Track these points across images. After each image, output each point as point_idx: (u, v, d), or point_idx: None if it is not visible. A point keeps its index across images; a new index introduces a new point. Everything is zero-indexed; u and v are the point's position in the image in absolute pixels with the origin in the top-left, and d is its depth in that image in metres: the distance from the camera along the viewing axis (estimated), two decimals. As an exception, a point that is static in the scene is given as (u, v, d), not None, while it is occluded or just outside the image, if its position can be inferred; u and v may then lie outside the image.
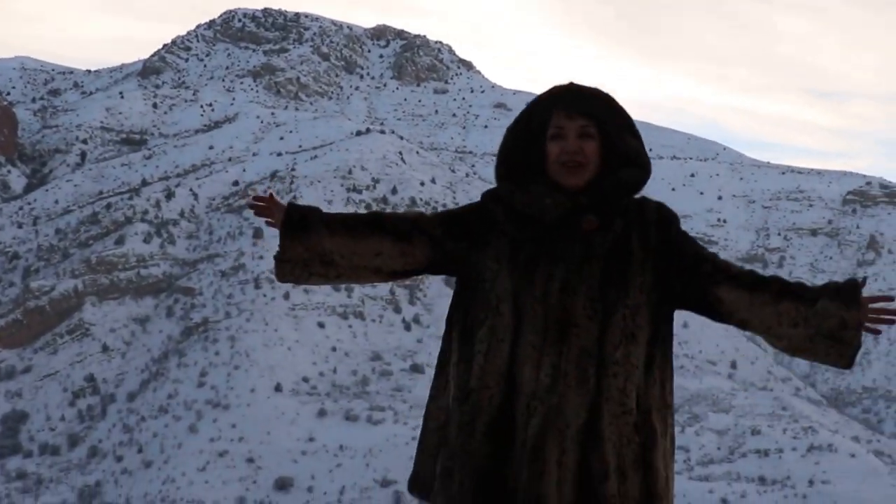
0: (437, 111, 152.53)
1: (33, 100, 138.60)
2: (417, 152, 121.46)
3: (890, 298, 2.90)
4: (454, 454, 2.81)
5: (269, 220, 3.02)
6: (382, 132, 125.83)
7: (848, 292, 2.86)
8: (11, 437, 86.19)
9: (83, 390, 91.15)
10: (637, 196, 2.86)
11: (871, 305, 2.84)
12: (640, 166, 2.85)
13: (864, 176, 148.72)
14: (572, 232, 2.81)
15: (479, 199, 3.02)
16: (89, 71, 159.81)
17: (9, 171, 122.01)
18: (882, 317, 2.84)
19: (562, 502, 2.74)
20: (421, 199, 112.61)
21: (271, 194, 3.10)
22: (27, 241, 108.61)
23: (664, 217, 2.89)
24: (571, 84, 2.84)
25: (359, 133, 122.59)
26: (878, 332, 2.86)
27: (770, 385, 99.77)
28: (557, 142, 2.83)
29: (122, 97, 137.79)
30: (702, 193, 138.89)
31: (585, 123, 2.82)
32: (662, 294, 2.82)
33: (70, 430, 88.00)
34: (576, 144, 2.82)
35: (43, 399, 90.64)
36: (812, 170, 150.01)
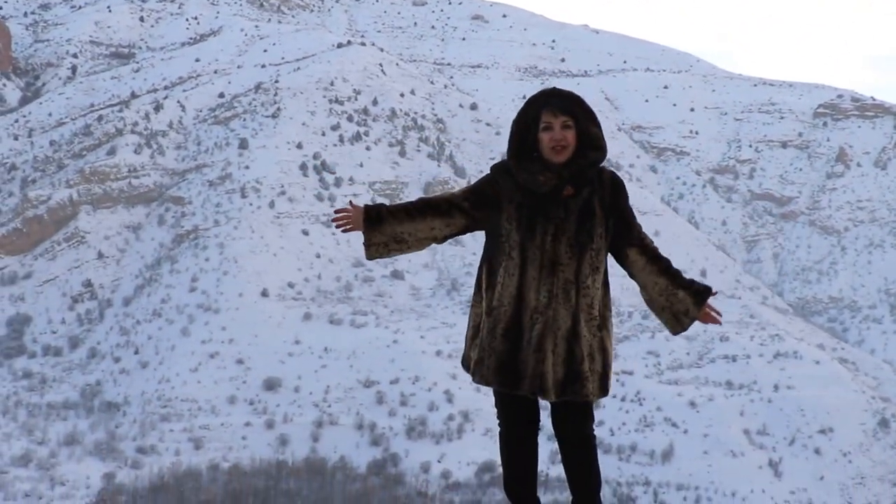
0: (415, 23, 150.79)
1: (25, 14, 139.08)
2: (397, 64, 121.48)
3: (718, 322, 4.36)
4: (484, 348, 4.28)
5: (349, 227, 4.26)
6: (363, 44, 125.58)
7: (701, 295, 4.32)
8: (16, 338, 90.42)
9: (81, 295, 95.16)
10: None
11: (707, 310, 4.33)
12: (600, 149, 4.23)
13: (836, 89, 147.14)
14: (557, 198, 4.21)
15: (488, 170, 4.43)
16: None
17: (4, 85, 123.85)
18: (707, 319, 4.34)
19: (555, 377, 4.23)
20: (401, 110, 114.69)
21: (350, 201, 4.49)
22: (23, 152, 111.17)
23: (616, 184, 4.31)
24: (555, 89, 4.26)
25: (340, 45, 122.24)
26: (704, 322, 4.34)
27: (738, 293, 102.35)
28: (547, 132, 4.18)
29: (109, 11, 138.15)
30: (674, 105, 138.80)
31: (566, 119, 4.17)
32: (609, 238, 4.29)
33: (70, 332, 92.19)
34: (560, 134, 4.17)
35: (44, 303, 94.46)
36: (784, 82, 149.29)
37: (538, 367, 4.22)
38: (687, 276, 4.49)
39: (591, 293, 4.26)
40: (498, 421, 4.45)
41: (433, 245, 4.45)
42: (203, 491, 72.53)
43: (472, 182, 4.60)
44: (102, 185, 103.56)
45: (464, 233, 4.39)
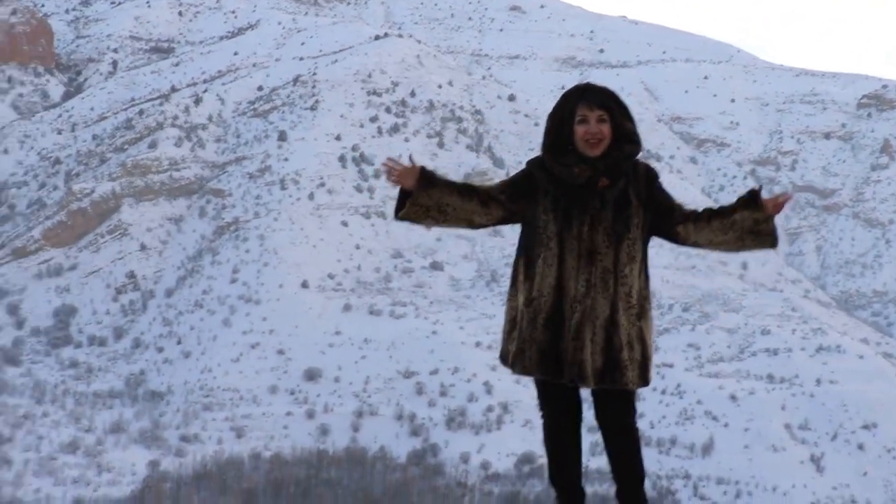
0: (452, 14, 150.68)
1: (66, 11, 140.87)
2: (435, 56, 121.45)
3: (787, 197, 4.29)
4: (525, 339, 4.34)
5: (397, 181, 4.31)
6: (400, 36, 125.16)
7: (752, 199, 4.29)
8: (63, 329, 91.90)
9: (125, 286, 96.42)
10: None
11: (769, 202, 4.28)
12: (635, 143, 4.31)
13: (881, 79, 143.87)
14: (592, 189, 4.28)
15: (524, 164, 4.45)
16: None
17: (47, 81, 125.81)
18: (777, 209, 4.29)
19: (594, 365, 4.29)
20: (438, 102, 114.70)
21: (411, 156, 4.59)
22: (67, 146, 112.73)
23: (650, 175, 4.37)
24: (590, 84, 4.38)
25: (377, 37, 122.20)
26: (778, 212, 4.28)
27: (780, 286, 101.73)
28: (582, 125, 4.26)
29: (148, 6, 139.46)
30: (715, 96, 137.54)
31: (602, 113, 4.26)
32: (647, 228, 4.37)
33: (115, 322, 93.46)
34: (596, 127, 4.25)
35: (89, 294, 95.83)
36: (826, 72, 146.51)
37: (577, 355, 4.28)
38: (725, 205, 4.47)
39: (630, 282, 4.31)
40: (540, 413, 4.49)
41: (467, 230, 4.57)
42: (245, 479, 73.19)
43: (510, 175, 4.59)
44: (144, 177, 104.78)
45: (499, 224, 4.44)
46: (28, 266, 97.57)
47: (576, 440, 4.44)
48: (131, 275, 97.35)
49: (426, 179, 4.31)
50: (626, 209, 4.28)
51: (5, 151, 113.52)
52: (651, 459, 73.33)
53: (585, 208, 4.27)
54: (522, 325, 4.34)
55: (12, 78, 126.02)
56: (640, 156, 4.36)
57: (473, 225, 4.40)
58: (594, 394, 4.37)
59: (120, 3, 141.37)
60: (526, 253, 4.36)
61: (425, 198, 4.31)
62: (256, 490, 71.09)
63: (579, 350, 4.26)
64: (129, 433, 78.72)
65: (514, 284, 4.42)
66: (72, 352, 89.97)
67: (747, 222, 4.30)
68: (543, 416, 4.46)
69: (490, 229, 4.89)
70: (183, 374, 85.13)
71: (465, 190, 4.37)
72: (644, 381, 4.33)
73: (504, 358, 4.44)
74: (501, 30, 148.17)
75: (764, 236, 4.34)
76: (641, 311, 4.33)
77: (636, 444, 4.39)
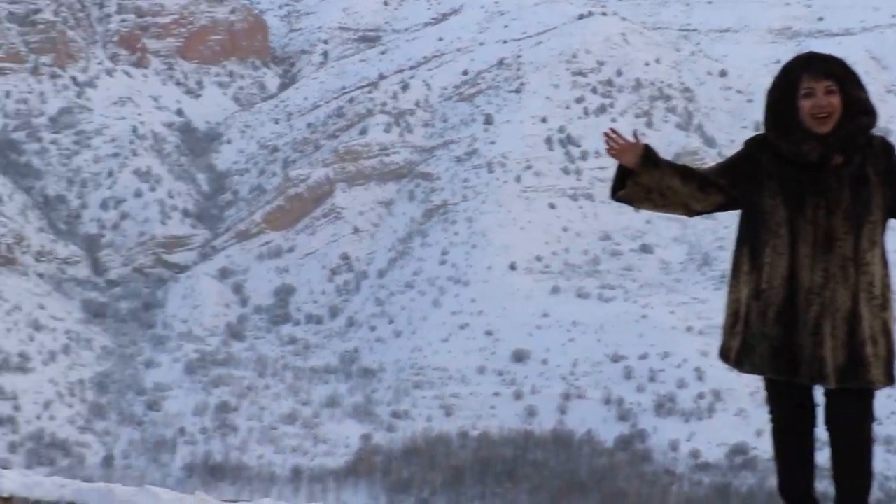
0: None
1: (280, 6, 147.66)
2: (641, 33, 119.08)
3: None
4: (754, 335, 3.98)
5: (617, 155, 4.04)
6: (604, 14, 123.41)
7: None
8: (283, 307, 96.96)
9: (339, 267, 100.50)
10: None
11: None
12: (869, 113, 3.91)
13: None
14: (825, 168, 3.88)
15: (742, 146, 4.09)
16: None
17: (264, 74, 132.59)
18: None
19: (836, 361, 3.94)
20: (646, 80, 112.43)
21: (635, 131, 4.21)
22: (284, 135, 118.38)
23: (887, 149, 3.96)
24: (812, 53, 3.97)
25: (581, 17, 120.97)
26: None
27: None
28: (809, 99, 3.86)
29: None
30: None
31: (829, 83, 3.85)
32: (887, 209, 3.96)
33: (330, 302, 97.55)
34: (824, 100, 3.85)
35: (306, 275, 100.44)
36: None
37: (816, 351, 3.92)
38: None
39: (872, 270, 3.94)
40: (770, 415, 4.14)
41: (681, 216, 4.22)
42: (453, 456, 74.76)
43: (726, 156, 4.21)
44: (356, 163, 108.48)
45: (717, 210, 4.11)
46: (250, 248, 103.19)
47: (809, 445, 4.12)
48: (345, 256, 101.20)
49: (650, 159, 4.02)
50: (864, 189, 3.89)
51: (228, 141, 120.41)
52: (877, 458, 69.14)
53: (820, 190, 3.88)
54: (749, 320, 3.99)
55: (233, 72, 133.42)
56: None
57: (690, 211, 4.10)
58: (828, 393, 4.03)
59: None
60: (751, 241, 3.99)
61: (647, 178, 4.02)
62: (463, 467, 72.49)
63: (819, 346, 3.91)
64: (343, 407, 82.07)
65: (737, 276, 4.05)
66: (290, 329, 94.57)
67: None
68: (773, 419, 4.13)
69: None
70: (394, 353, 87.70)
71: (688, 173, 4.06)
72: (890, 378, 3.99)
73: (725, 355, 4.10)
74: (710, 2, 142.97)
75: None
76: (884, 301, 3.96)
77: (869, 449, 4.08)
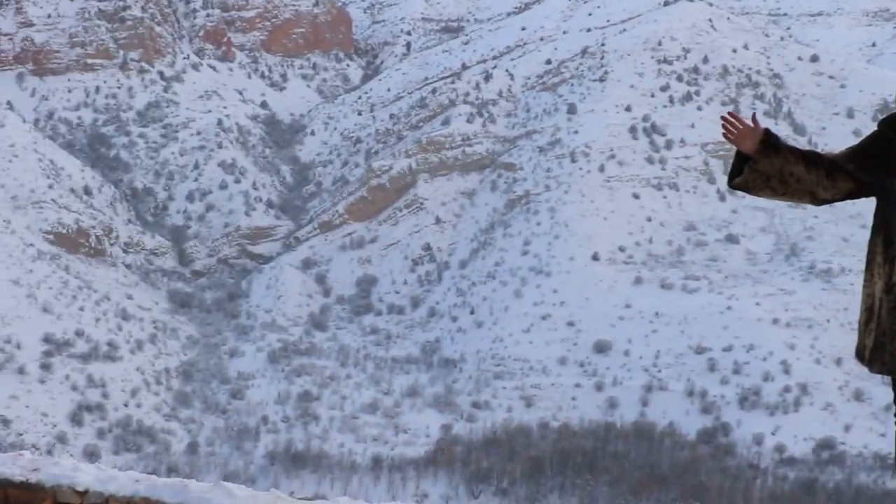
0: None
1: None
2: (728, 18, 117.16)
3: None
4: (885, 332, 3.74)
5: (734, 139, 3.82)
6: (691, 0, 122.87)
7: None
8: (365, 297, 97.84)
9: (421, 258, 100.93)
10: None
11: None
12: None
13: None
14: None
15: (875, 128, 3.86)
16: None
17: (347, 65, 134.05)
18: None
19: None
20: (733, 67, 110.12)
21: (754, 115, 4.04)
22: (366, 126, 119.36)
23: None
24: None
25: (666, 3, 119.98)
26: None
27: None
28: None
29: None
30: None
31: None
32: None
33: (412, 292, 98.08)
34: None
35: (388, 265, 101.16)
36: None
37: None
38: None
39: None
40: (895, 417, 3.93)
41: (808, 205, 3.92)
42: (533, 447, 74.28)
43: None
44: (438, 154, 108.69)
45: (846, 198, 3.86)
46: (333, 239, 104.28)
47: None
48: (427, 247, 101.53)
49: (770, 144, 3.83)
50: None
51: (312, 133, 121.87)
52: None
53: None
54: (882, 316, 3.73)
55: (317, 65, 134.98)
56: None
57: (816, 199, 3.87)
58: None
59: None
60: (885, 231, 3.75)
61: (767, 165, 3.83)
62: (543, 458, 71.93)
63: None
64: (423, 397, 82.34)
65: (870, 268, 3.84)
66: (372, 319, 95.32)
67: None
68: None
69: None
70: (475, 343, 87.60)
71: (813, 158, 3.84)
72: None
73: (861, 354, 3.85)
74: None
75: None
76: None
77: None
